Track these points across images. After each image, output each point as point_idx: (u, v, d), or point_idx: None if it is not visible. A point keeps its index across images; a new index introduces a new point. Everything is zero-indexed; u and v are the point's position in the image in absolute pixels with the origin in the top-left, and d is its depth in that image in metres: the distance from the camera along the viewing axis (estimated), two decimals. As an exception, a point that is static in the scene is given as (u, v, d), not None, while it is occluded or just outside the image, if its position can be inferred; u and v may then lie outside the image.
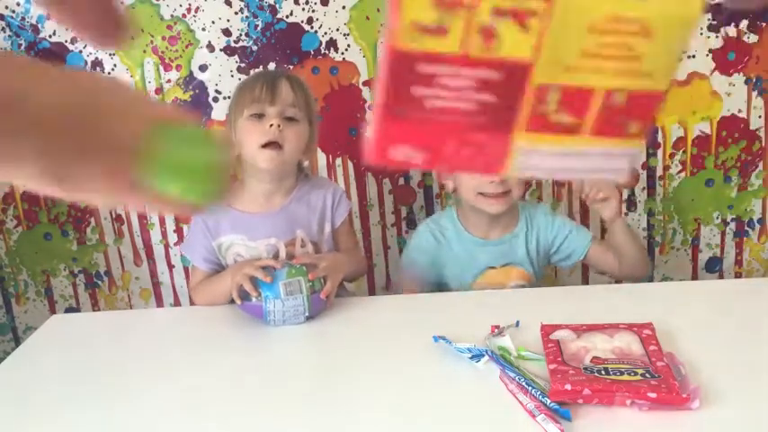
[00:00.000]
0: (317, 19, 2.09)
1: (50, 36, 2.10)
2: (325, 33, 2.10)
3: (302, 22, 2.09)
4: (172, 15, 2.09)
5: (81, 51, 2.10)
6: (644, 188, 2.27)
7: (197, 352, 1.44)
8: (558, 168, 0.24)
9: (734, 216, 2.30)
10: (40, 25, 2.08)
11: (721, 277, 2.35)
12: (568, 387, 1.10)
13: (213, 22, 2.09)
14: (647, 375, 1.11)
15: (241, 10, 2.08)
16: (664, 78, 0.22)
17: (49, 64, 0.21)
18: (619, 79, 0.22)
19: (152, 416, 1.20)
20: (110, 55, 2.09)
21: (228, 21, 2.09)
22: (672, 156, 2.23)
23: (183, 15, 2.08)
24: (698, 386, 1.10)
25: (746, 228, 2.31)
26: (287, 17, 2.09)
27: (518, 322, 1.42)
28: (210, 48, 2.11)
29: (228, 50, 2.11)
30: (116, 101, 0.22)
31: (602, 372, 1.13)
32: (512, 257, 1.82)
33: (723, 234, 2.32)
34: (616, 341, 1.24)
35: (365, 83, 2.15)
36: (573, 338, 1.28)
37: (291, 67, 2.12)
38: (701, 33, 2.08)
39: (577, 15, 0.19)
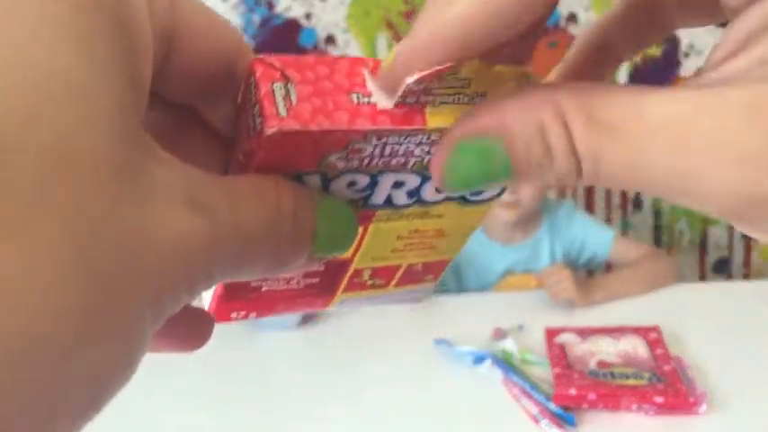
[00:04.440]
0: (316, 14, 2.06)
1: None
2: (324, 29, 2.07)
3: (300, 17, 2.07)
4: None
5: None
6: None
7: (187, 358, 1.41)
8: (369, 304, 0.31)
9: (742, 216, 2.26)
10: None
11: (729, 279, 2.31)
12: (573, 391, 1.09)
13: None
14: (654, 379, 1.11)
15: (237, 5, 2.05)
16: (453, 253, 0.28)
17: None
18: (418, 258, 0.28)
19: (143, 417, 1.17)
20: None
21: (224, 15, 2.06)
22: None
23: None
24: (705, 390, 1.09)
25: (755, 228, 2.28)
26: (285, 12, 2.06)
27: (521, 325, 1.39)
28: (207, 44, 2.09)
29: (225, 47, 2.09)
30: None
31: (608, 376, 1.13)
32: (534, 263, 1.75)
33: (731, 235, 2.28)
34: (622, 344, 1.23)
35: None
36: (578, 342, 1.26)
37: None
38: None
39: (387, 232, 0.25)
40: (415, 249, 0.27)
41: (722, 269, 2.31)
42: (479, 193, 0.25)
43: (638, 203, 2.25)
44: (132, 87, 0.16)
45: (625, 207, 2.26)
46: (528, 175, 0.18)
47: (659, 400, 1.06)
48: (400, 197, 0.23)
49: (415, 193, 0.24)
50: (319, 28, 2.07)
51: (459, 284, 1.80)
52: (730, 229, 2.28)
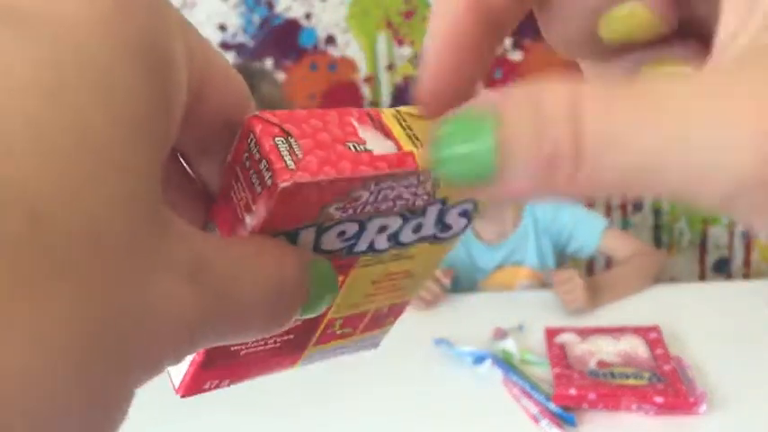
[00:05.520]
0: (316, 14, 2.06)
1: None
2: (324, 29, 2.07)
3: (300, 17, 2.06)
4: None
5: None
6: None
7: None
8: (332, 356, 0.32)
9: (742, 216, 2.26)
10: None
11: (729, 279, 2.31)
12: (573, 391, 1.09)
13: (208, 17, 2.06)
14: (654, 379, 1.11)
15: (237, 5, 2.05)
16: (414, 294, 0.29)
17: None
18: (387, 301, 0.29)
19: (143, 417, 1.17)
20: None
21: (224, 16, 2.06)
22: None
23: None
24: (705, 390, 1.09)
25: (755, 228, 2.27)
26: (285, 12, 2.06)
27: (521, 325, 1.39)
28: (207, 44, 2.09)
29: (224, 47, 2.08)
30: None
31: (608, 376, 1.12)
32: (521, 255, 1.76)
33: (731, 235, 2.28)
34: (622, 344, 1.23)
35: (365, 79, 2.12)
36: (578, 341, 1.26)
37: (288, 63, 2.09)
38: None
39: (364, 277, 0.26)
40: (386, 292, 0.28)
41: (722, 269, 2.31)
42: (449, 228, 0.25)
43: (638, 203, 2.25)
44: (160, 160, 0.16)
45: (625, 207, 2.26)
46: (513, 154, 0.16)
47: (659, 400, 1.06)
48: (381, 242, 0.24)
49: (393, 237, 0.24)
50: (319, 28, 2.07)
51: (453, 287, 1.81)
52: (730, 228, 2.27)
